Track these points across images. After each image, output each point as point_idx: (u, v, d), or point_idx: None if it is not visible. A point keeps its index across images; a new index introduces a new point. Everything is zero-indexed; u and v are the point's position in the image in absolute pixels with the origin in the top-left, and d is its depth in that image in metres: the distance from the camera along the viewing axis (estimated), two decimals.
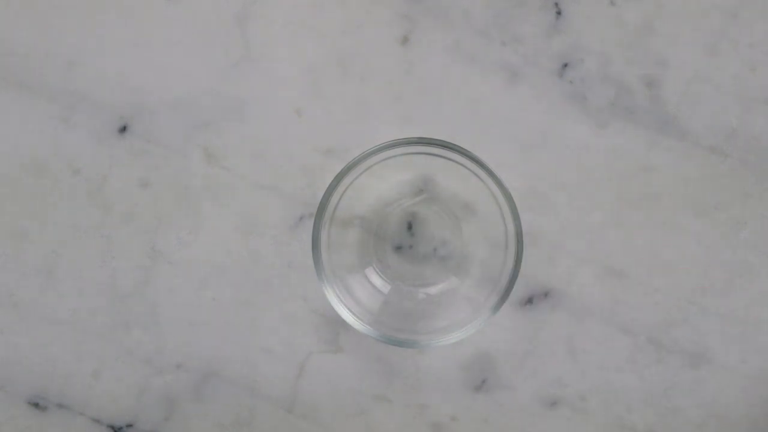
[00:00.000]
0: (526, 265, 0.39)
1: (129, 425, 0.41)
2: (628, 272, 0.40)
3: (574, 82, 0.40)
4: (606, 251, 0.40)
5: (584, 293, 0.40)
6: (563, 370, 0.40)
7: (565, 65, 0.40)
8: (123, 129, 0.41)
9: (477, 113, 0.40)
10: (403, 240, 0.40)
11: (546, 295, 0.40)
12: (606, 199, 0.40)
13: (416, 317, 0.38)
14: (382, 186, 0.39)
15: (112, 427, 0.41)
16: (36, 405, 0.41)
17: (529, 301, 0.40)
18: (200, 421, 0.41)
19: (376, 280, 0.39)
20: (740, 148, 0.40)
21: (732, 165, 0.40)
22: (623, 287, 0.40)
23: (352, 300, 0.37)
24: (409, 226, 0.40)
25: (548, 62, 0.40)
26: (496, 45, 0.40)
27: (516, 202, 0.36)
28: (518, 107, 0.40)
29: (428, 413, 0.40)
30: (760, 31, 0.40)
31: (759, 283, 0.40)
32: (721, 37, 0.40)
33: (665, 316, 0.40)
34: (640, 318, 0.40)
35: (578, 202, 0.40)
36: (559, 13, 0.40)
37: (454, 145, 0.35)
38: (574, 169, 0.40)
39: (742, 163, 0.40)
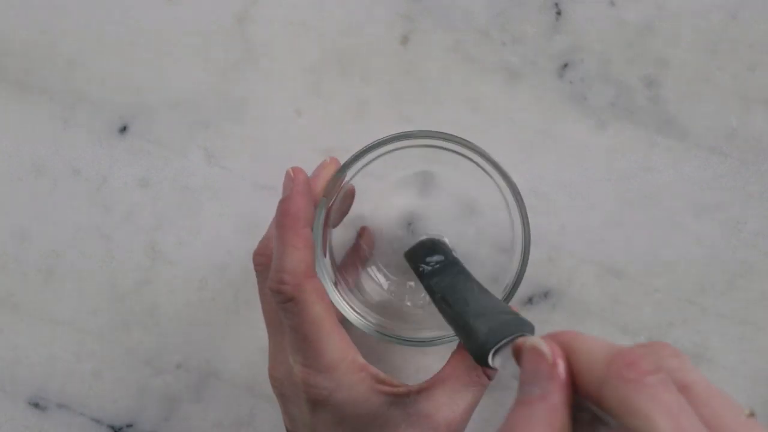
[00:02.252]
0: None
1: (129, 425, 0.41)
2: (628, 272, 0.40)
3: (574, 82, 0.40)
4: (606, 251, 0.40)
5: (584, 293, 0.40)
6: None
7: (565, 65, 0.40)
8: (123, 129, 0.41)
9: (477, 113, 0.40)
10: (403, 239, 0.40)
11: (546, 295, 0.40)
12: (606, 199, 0.40)
13: (418, 317, 0.38)
14: (382, 185, 0.39)
15: (112, 427, 0.41)
16: (36, 405, 0.41)
17: (529, 301, 0.40)
18: (200, 421, 0.41)
19: (378, 279, 0.39)
20: (740, 148, 0.40)
21: (732, 165, 0.40)
22: (623, 287, 0.40)
23: (355, 299, 0.37)
24: (410, 225, 0.40)
25: (548, 62, 0.40)
26: (496, 45, 0.40)
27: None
28: (518, 107, 0.40)
29: None
30: (760, 31, 0.40)
31: (759, 283, 0.40)
32: (721, 37, 0.40)
33: (665, 316, 0.40)
34: (640, 318, 0.40)
35: (578, 202, 0.40)
36: (559, 13, 0.40)
37: (460, 138, 0.34)
38: (574, 169, 0.40)
39: (742, 163, 0.40)
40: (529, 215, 0.33)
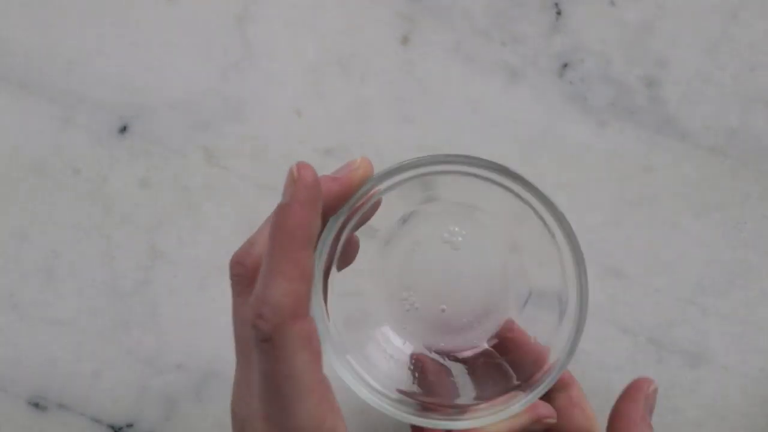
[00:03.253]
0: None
1: (129, 425, 0.41)
2: (628, 272, 0.40)
3: (574, 82, 0.40)
4: (606, 251, 0.40)
5: None
6: None
7: (565, 65, 0.40)
8: (123, 129, 0.41)
9: (477, 113, 0.40)
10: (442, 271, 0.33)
11: None
12: (606, 199, 0.40)
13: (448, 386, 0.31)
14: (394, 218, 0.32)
15: (112, 427, 0.41)
16: (36, 405, 0.41)
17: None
18: (200, 421, 0.41)
19: (395, 340, 0.32)
20: (740, 148, 0.40)
21: (732, 165, 0.40)
22: (623, 287, 0.40)
23: (373, 370, 0.29)
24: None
25: (548, 62, 0.40)
26: (496, 45, 0.40)
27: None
28: (518, 107, 0.40)
29: None
30: (760, 31, 0.40)
31: (759, 283, 0.40)
32: (721, 37, 0.40)
33: (665, 316, 0.40)
34: (640, 318, 0.40)
35: (578, 202, 0.40)
36: (559, 13, 0.40)
37: (497, 164, 0.27)
38: (574, 169, 0.40)
39: (742, 163, 0.40)
40: None
